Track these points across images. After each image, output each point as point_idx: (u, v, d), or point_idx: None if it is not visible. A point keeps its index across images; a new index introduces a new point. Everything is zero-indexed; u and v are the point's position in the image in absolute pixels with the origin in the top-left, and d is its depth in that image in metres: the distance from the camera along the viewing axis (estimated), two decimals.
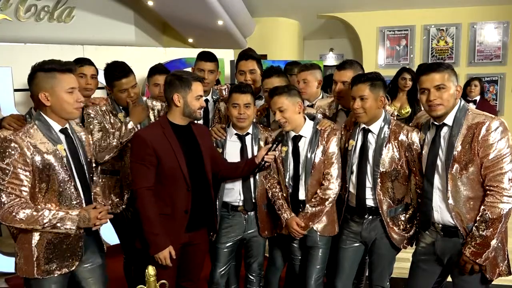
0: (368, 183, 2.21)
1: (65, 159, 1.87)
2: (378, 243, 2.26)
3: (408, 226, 2.25)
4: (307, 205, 2.30)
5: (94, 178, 2.13)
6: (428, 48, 6.59)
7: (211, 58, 2.87)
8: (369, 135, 2.23)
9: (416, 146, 2.16)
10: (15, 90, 3.41)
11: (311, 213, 2.28)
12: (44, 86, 1.84)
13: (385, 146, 2.19)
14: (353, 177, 2.26)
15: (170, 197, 2.13)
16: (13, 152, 1.77)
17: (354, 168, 2.25)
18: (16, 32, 4.99)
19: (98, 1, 5.37)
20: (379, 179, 2.18)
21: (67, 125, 1.95)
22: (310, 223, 2.29)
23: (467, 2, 6.27)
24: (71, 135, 1.96)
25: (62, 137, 1.91)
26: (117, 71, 2.49)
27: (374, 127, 2.22)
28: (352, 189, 2.27)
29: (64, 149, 1.89)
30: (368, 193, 2.22)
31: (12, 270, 3.27)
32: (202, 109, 2.22)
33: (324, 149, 2.30)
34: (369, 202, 2.23)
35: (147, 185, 2.08)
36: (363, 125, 2.24)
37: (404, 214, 2.25)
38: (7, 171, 1.77)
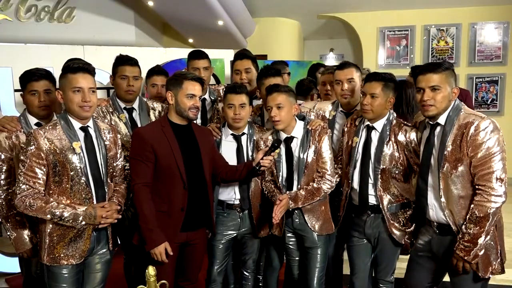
0: (370, 180, 2.26)
1: (78, 156, 1.98)
2: (381, 239, 2.31)
3: (409, 223, 2.29)
4: (300, 191, 2.32)
5: (119, 177, 2.20)
6: (429, 48, 6.58)
7: (203, 55, 2.91)
8: (373, 132, 2.28)
9: (415, 144, 2.20)
10: (15, 91, 3.41)
11: (298, 194, 2.29)
12: (60, 85, 2.02)
13: (386, 144, 2.23)
14: (356, 173, 2.30)
15: (167, 195, 2.15)
16: (31, 146, 1.91)
17: (358, 164, 2.30)
18: (16, 32, 4.98)
19: (99, 2, 5.36)
20: (379, 175, 2.23)
21: (89, 123, 2.05)
22: (292, 203, 2.28)
23: (467, 2, 6.26)
24: (92, 133, 2.06)
25: (81, 134, 2.02)
26: (125, 58, 2.61)
27: (378, 125, 2.27)
28: (355, 185, 2.31)
29: (80, 147, 1.99)
30: (371, 190, 2.27)
31: (12, 270, 3.29)
32: (197, 110, 2.21)
33: (317, 149, 2.33)
34: (371, 200, 2.28)
35: (144, 181, 2.11)
36: (367, 122, 2.29)
37: (404, 211, 2.29)
38: (24, 164, 1.92)
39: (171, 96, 2.18)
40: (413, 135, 2.23)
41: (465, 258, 1.92)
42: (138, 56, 2.72)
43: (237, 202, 2.44)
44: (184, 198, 2.16)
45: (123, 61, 2.59)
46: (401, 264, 2.69)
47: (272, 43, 6.94)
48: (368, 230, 2.32)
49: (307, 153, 2.33)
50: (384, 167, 2.23)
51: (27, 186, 1.92)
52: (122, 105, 2.62)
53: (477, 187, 1.92)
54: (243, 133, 2.45)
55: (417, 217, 2.22)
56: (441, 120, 2.02)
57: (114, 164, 2.17)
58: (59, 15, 5.21)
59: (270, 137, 2.43)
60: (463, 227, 1.94)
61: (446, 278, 2.19)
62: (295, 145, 2.36)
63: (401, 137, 2.23)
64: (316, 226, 2.37)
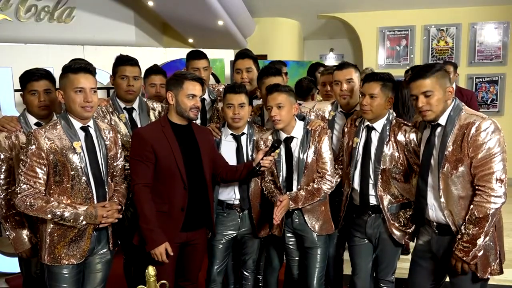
0: (370, 180, 2.27)
1: (79, 155, 1.98)
2: (382, 239, 2.32)
3: (409, 223, 2.29)
4: (300, 191, 2.31)
5: (119, 177, 2.21)
6: (428, 48, 6.57)
7: (202, 55, 2.93)
8: (373, 132, 2.28)
9: (414, 145, 2.19)
10: (15, 90, 3.41)
11: (298, 194, 2.29)
12: (60, 84, 2.02)
13: (386, 144, 2.24)
14: (357, 174, 2.31)
15: (167, 195, 2.15)
16: (32, 146, 1.91)
17: (358, 165, 2.30)
18: (16, 32, 4.98)
19: (98, 2, 5.36)
20: (380, 176, 2.23)
21: (89, 123, 2.06)
22: (293, 204, 2.28)
23: (467, 2, 6.26)
24: (92, 132, 2.06)
25: (81, 134, 2.03)
26: (125, 58, 2.61)
27: (378, 125, 2.27)
28: (356, 185, 2.32)
29: (80, 146, 1.99)
30: (371, 190, 2.27)
31: (12, 270, 3.29)
32: (198, 110, 2.21)
33: (316, 149, 2.33)
34: (372, 200, 2.29)
35: (145, 181, 2.11)
36: (367, 123, 2.29)
37: (405, 212, 2.29)
38: (25, 163, 1.92)
39: (171, 96, 2.18)
40: (412, 135, 2.23)
41: (464, 258, 1.92)
42: (138, 56, 2.72)
43: (237, 202, 2.44)
44: (184, 198, 2.16)
45: (123, 61, 2.59)
46: (402, 264, 2.70)
47: (272, 43, 6.95)
48: (369, 230, 2.33)
49: (307, 154, 2.33)
50: (384, 167, 2.23)
51: (28, 185, 1.92)
52: (122, 105, 2.62)
53: (477, 187, 1.92)
54: (243, 133, 2.45)
55: (417, 217, 2.21)
56: (442, 120, 2.02)
57: (115, 164, 2.17)
58: (59, 15, 5.21)
59: (270, 137, 2.43)
60: (462, 227, 1.94)
61: (446, 278, 2.20)
62: (295, 145, 2.36)
63: (400, 137, 2.24)
64: (316, 226, 2.37)
